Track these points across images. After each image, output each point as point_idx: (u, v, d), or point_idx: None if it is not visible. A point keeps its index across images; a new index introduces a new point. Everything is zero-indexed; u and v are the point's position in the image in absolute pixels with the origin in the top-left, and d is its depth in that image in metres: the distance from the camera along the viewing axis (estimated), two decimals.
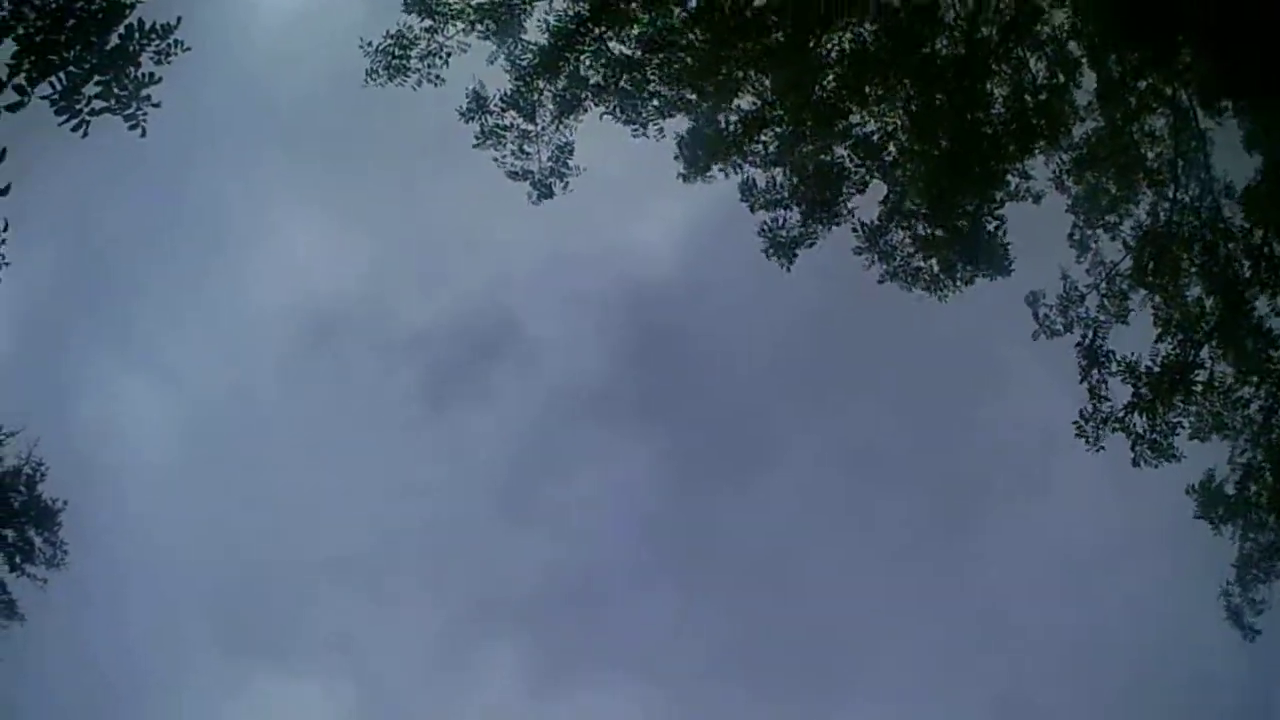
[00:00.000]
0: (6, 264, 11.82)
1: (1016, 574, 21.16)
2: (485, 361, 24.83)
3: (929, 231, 16.66)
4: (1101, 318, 17.29)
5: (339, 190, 22.34)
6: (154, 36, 10.22)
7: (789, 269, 16.59)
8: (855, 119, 16.50)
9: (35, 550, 19.42)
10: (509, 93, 16.62)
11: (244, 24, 18.78)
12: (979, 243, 16.53)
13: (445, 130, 17.15)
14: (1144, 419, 17.26)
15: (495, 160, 16.81)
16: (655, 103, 16.65)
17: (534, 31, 16.56)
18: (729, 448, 23.88)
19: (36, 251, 19.61)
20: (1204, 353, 17.72)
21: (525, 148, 16.65)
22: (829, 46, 16.44)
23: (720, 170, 16.73)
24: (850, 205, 16.61)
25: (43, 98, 9.91)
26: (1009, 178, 17.03)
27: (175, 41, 10.28)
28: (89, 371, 22.26)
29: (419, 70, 16.95)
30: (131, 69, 10.22)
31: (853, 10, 16.32)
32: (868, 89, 16.36)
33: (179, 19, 10.17)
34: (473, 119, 16.78)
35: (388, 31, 16.97)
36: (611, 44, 16.22)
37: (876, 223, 16.67)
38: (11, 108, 9.80)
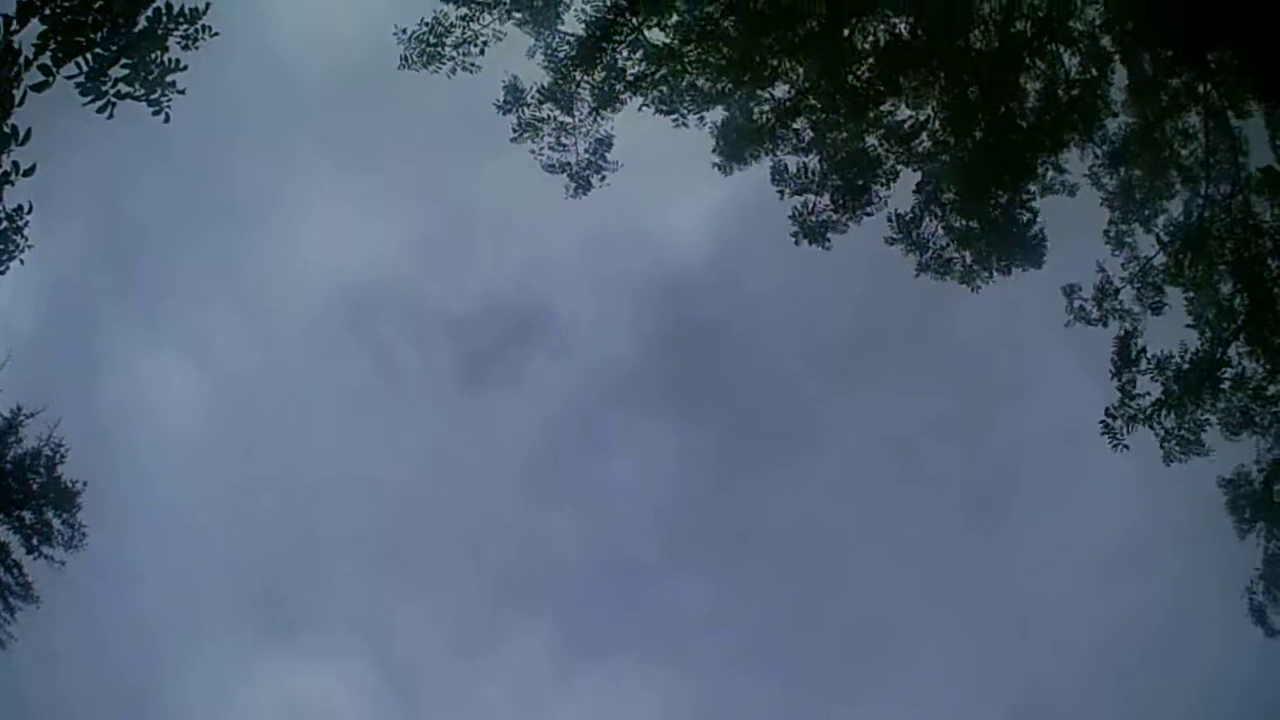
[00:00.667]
0: (30, 246, 11.89)
1: (1043, 570, 21.12)
2: (518, 344, 24.73)
3: (963, 223, 16.66)
4: (1135, 309, 17.30)
5: (372, 175, 22.39)
6: (182, 20, 10.25)
7: (827, 247, 16.61)
8: (888, 108, 16.53)
9: (54, 532, 19.45)
10: (546, 85, 16.66)
11: (275, 6, 18.81)
12: (1013, 235, 16.53)
13: (479, 116, 17.20)
14: (1173, 416, 17.32)
15: (533, 153, 16.90)
16: (691, 94, 16.67)
17: (571, 21, 16.66)
18: (762, 435, 23.83)
19: (62, 231, 19.69)
20: (1232, 350, 17.80)
21: (563, 140, 16.70)
22: (864, 36, 16.47)
23: (755, 158, 16.76)
24: (883, 194, 16.63)
25: (68, 78, 9.95)
26: (1043, 170, 17.03)
27: (204, 27, 10.33)
28: (115, 351, 22.27)
29: (454, 58, 17.02)
30: (159, 53, 10.27)
31: (886, 1, 16.40)
32: (902, 79, 16.38)
33: (208, 3, 10.21)
34: (510, 111, 16.84)
35: (422, 19, 17.07)
36: (650, 32, 16.24)
37: (910, 214, 16.68)
38: (37, 88, 9.84)
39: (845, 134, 16.69)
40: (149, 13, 10.31)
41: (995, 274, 17.03)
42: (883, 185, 16.59)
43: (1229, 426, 17.74)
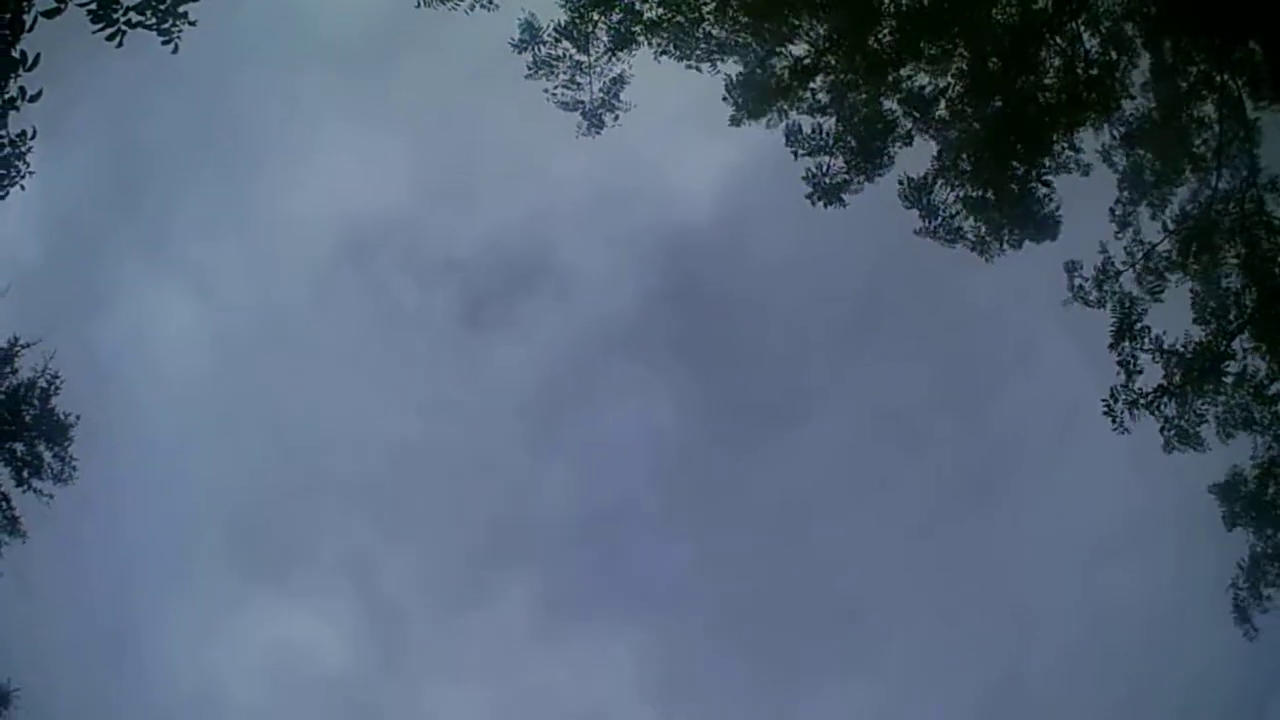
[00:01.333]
0: (32, 172, 11.71)
1: (1029, 554, 21.03)
2: (520, 290, 24.68)
3: (977, 192, 16.52)
4: (1136, 292, 17.18)
5: (382, 112, 22.19)
6: None
7: (842, 205, 16.45)
8: (908, 72, 16.40)
9: (44, 465, 19.01)
10: (563, 23, 16.46)
11: None
12: (1028, 207, 16.42)
13: (493, 57, 17.03)
14: (1174, 403, 17.21)
15: (546, 92, 16.69)
16: (708, 43, 16.52)
17: None
18: (758, 399, 23.74)
19: (68, 159, 19.41)
20: (1236, 344, 17.70)
21: (577, 78, 16.52)
22: None
23: (769, 115, 16.60)
24: (896, 157, 16.50)
25: (79, 5, 9.88)
26: (1058, 147, 16.91)
27: None
28: (119, 281, 21.97)
29: None
30: None
31: None
32: (922, 43, 16.25)
33: None
34: (525, 49, 16.64)
35: None
36: None
37: (923, 179, 16.53)
38: (49, 14, 9.84)
39: (864, 95, 16.53)
40: None
41: (1006, 246, 16.90)
42: (899, 147, 16.44)
43: (1226, 425, 17.66)
